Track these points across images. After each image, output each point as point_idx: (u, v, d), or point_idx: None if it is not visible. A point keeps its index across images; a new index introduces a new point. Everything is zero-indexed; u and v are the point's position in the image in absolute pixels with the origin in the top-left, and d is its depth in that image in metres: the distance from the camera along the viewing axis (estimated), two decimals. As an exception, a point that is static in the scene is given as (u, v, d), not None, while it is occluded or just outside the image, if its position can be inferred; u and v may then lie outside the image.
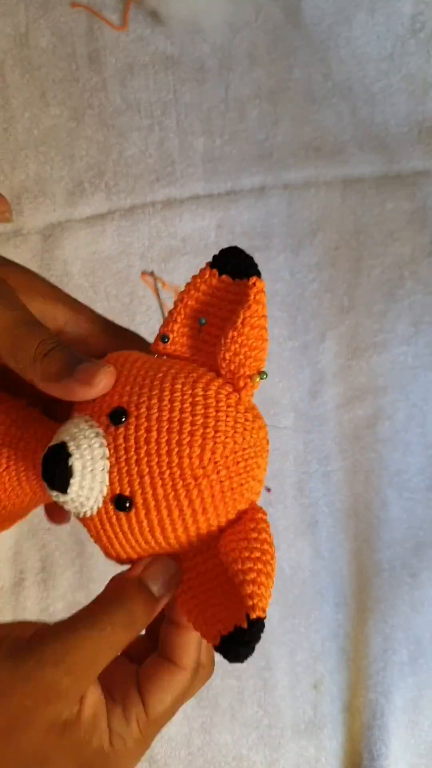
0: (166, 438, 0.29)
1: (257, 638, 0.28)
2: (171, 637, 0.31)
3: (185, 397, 0.30)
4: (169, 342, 0.32)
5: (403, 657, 0.74)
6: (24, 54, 0.73)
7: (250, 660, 0.73)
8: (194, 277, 0.32)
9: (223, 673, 0.73)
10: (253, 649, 0.29)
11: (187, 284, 0.32)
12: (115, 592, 0.30)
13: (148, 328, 0.73)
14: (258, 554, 0.29)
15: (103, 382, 0.30)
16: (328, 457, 0.75)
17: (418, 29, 0.76)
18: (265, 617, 0.28)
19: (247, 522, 0.30)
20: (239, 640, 0.28)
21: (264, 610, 0.28)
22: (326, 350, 0.75)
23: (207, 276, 0.32)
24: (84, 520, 0.31)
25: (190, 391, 0.30)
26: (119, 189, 0.74)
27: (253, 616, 0.28)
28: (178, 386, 0.30)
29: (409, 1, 0.75)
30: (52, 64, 0.74)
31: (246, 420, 0.30)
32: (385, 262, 0.76)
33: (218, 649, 0.29)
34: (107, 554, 0.32)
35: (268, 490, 0.74)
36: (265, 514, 0.31)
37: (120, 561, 0.32)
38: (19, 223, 0.73)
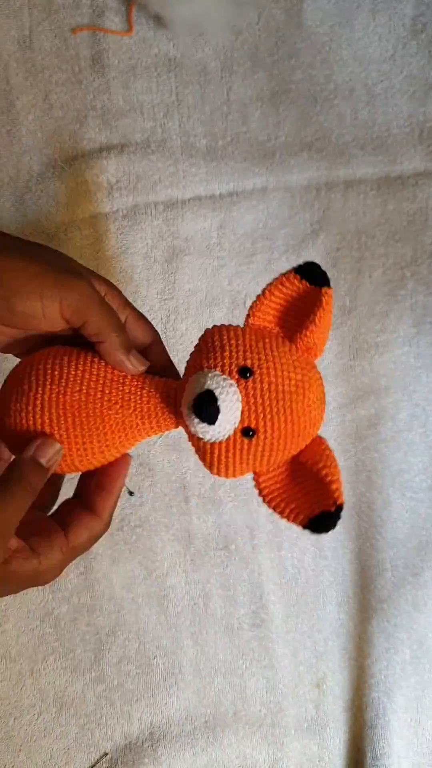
0: (282, 389, 0.43)
1: (340, 517, 0.43)
2: (98, 497, 0.44)
3: (288, 361, 0.44)
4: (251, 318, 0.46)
5: (405, 656, 0.74)
6: (28, 56, 0.74)
7: (252, 659, 0.74)
8: (281, 275, 0.45)
9: (226, 671, 0.74)
10: (336, 525, 0.43)
11: (275, 279, 0.46)
12: (16, 470, 0.41)
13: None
14: (335, 464, 0.44)
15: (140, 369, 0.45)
16: (330, 457, 0.75)
17: (419, 30, 0.76)
18: (343, 504, 0.43)
19: (319, 444, 0.45)
20: (330, 520, 0.43)
21: (343, 499, 0.43)
22: (328, 351, 0.75)
23: (291, 277, 0.45)
24: (212, 446, 0.43)
25: (290, 357, 0.44)
26: (121, 188, 0.74)
27: (339, 502, 0.43)
28: (283, 353, 0.44)
29: (410, 2, 0.76)
30: (55, 66, 0.74)
31: (320, 377, 0.45)
32: (387, 263, 0.76)
33: (307, 527, 0.44)
34: (215, 471, 0.45)
35: None
36: (324, 439, 0.46)
37: (221, 476, 0.45)
38: (23, 225, 0.73)
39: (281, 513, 0.46)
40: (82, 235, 0.73)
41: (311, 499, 0.45)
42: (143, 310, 0.73)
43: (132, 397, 0.45)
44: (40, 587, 0.72)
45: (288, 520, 0.45)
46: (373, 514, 0.75)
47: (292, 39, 0.75)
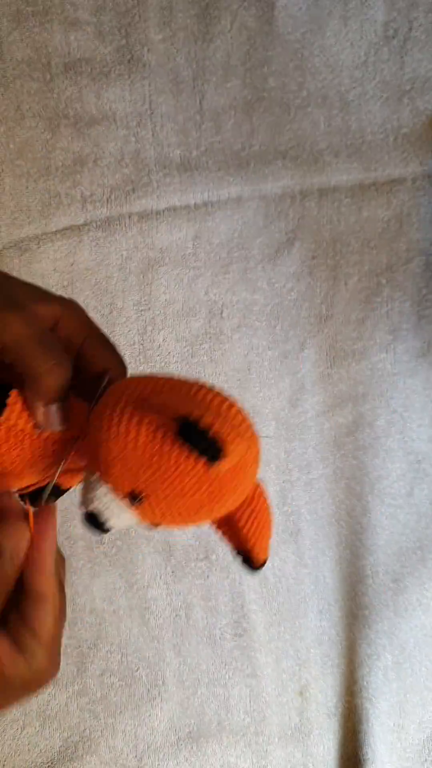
0: (170, 510, 0.37)
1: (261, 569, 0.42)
2: (32, 579, 0.37)
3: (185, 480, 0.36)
4: None
5: (387, 662, 0.75)
6: (-2, 67, 0.73)
7: (236, 668, 0.74)
8: None
9: (209, 681, 0.74)
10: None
11: None
12: None
13: (127, 339, 0.73)
14: (261, 526, 0.41)
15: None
16: (309, 465, 0.75)
17: (391, 36, 0.76)
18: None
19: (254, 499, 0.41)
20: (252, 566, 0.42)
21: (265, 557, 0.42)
22: (306, 359, 0.75)
23: None
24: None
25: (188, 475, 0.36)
26: (95, 199, 0.73)
27: (261, 560, 0.42)
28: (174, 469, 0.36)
29: (381, 8, 0.75)
30: (27, 76, 0.73)
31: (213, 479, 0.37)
32: (362, 270, 0.76)
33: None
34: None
35: None
36: (260, 487, 0.41)
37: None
38: (-4, 237, 0.73)
39: (225, 538, 0.43)
40: (55, 248, 0.73)
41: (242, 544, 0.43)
42: (120, 321, 0.73)
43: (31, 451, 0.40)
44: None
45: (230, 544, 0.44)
46: (352, 522, 0.75)
47: (264, 47, 0.75)
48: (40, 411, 0.38)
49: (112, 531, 0.38)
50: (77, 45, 0.74)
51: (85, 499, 0.39)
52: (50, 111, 0.74)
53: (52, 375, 0.37)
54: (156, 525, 0.39)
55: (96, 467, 0.38)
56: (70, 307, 0.42)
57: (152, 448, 0.36)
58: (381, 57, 0.76)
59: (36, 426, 0.38)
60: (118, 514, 0.38)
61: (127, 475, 0.37)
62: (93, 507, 0.38)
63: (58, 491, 0.45)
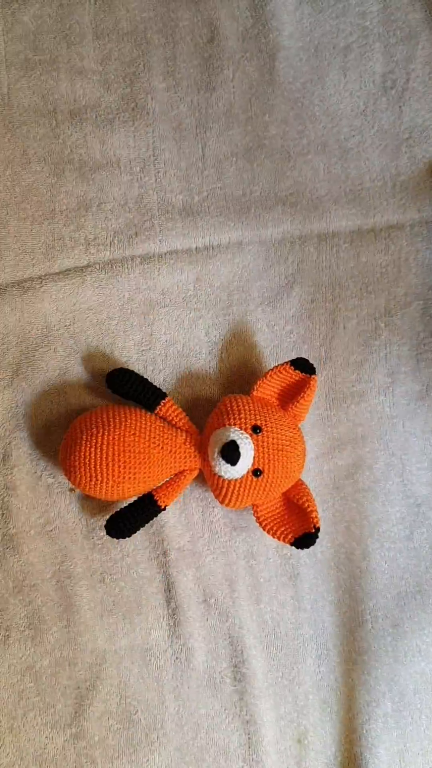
0: (280, 442, 0.65)
1: (318, 536, 0.66)
2: None
3: (284, 423, 0.66)
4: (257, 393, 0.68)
5: (387, 709, 0.74)
6: (5, 114, 0.75)
7: (234, 714, 0.73)
8: (278, 365, 0.68)
9: (208, 726, 0.73)
10: (315, 542, 0.65)
11: (274, 367, 0.68)
12: None
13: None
14: (312, 497, 0.67)
15: None
16: (308, 507, 0.75)
17: (389, 86, 0.78)
18: (320, 527, 0.66)
19: (300, 483, 0.68)
20: (312, 539, 0.65)
21: (319, 524, 0.66)
22: (305, 401, 0.76)
23: (287, 367, 0.68)
24: (229, 483, 0.64)
25: (285, 421, 0.66)
26: (98, 243, 0.75)
27: (317, 525, 0.65)
28: (280, 418, 0.66)
29: (380, 60, 0.77)
30: (33, 122, 0.75)
31: (302, 436, 0.69)
32: (361, 313, 0.77)
33: (293, 544, 0.65)
34: (226, 503, 0.65)
35: None
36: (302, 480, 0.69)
37: (229, 506, 0.66)
38: None
39: (273, 534, 0.66)
40: (57, 287, 0.74)
41: (296, 524, 0.66)
42: (121, 361, 0.74)
43: (169, 440, 0.65)
44: (21, 640, 0.71)
45: (279, 539, 0.66)
46: (352, 565, 0.75)
47: (265, 95, 0.77)
48: None
49: (240, 465, 0.63)
50: (83, 92, 0.75)
51: (221, 437, 0.63)
52: (55, 156, 0.75)
53: None
54: (263, 467, 0.63)
55: (222, 423, 0.65)
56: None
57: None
58: (379, 107, 0.78)
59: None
60: (246, 442, 0.63)
61: (250, 415, 0.64)
62: (231, 437, 0.62)
63: (157, 508, 0.67)
